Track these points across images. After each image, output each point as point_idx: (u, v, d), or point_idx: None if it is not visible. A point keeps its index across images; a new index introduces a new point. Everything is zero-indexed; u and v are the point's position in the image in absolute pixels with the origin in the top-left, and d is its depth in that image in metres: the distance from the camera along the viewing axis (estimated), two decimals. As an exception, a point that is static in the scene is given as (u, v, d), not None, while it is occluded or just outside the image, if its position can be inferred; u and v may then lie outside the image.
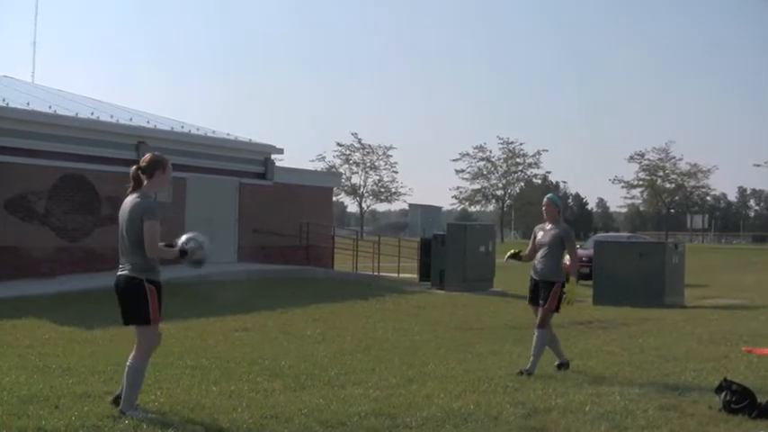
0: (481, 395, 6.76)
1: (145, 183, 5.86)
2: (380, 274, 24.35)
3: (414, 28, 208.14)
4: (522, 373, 7.77)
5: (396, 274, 24.57)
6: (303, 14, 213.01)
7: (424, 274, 21.70)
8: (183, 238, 5.88)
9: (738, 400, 6.17)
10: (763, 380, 7.60)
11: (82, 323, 11.15)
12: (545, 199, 8.38)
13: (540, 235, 8.23)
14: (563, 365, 8.12)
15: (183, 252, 5.75)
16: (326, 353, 9.28)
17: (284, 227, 23.84)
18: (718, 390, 6.39)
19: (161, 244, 5.77)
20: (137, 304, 5.65)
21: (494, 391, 6.96)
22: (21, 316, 11.59)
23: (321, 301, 15.36)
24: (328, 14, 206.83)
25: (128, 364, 5.66)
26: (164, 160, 5.93)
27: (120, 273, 5.75)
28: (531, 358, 7.93)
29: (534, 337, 7.98)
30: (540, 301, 8.02)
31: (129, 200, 5.81)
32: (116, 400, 5.76)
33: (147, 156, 5.94)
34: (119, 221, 5.85)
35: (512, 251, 8.53)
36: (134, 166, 5.91)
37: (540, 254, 8.16)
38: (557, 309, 8.03)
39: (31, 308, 12.60)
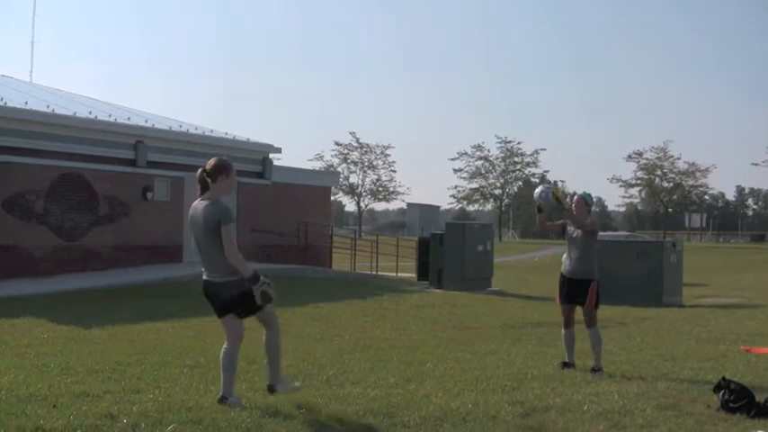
0: (479, 394, 6.76)
1: (210, 187, 5.93)
2: (379, 273, 24.36)
3: (411, 27, 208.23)
4: (594, 370, 7.89)
5: (394, 274, 24.58)
6: (302, 14, 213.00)
7: (423, 273, 21.71)
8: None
9: (737, 398, 6.17)
10: (761, 379, 7.60)
11: (80, 322, 11.14)
12: (575, 197, 8.45)
13: (570, 230, 8.27)
14: (568, 365, 8.13)
15: (257, 277, 5.88)
16: (325, 352, 9.27)
17: (282, 226, 23.84)
18: (717, 389, 6.39)
19: None
20: (245, 301, 5.93)
21: (492, 390, 6.96)
22: (19, 315, 11.59)
23: (319, 300, 15.36)
24: (326, 14, 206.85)
25: (268, 342, 6.17)
26: (228, 165, 5.98)
27: (209, 279, 5.97)
28: (594, 356, 8.06)
29: (590, 337, 8.09)
30: (580, 299, 8.08)
31: (200, 206, 5.91)
32: (270, 388, 6.22)
33: (213, 160, 6.00)
34: (192, 228, 6.00)
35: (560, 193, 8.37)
36: (200, 169, 5.98)
37: (572, 252, 8.20)
38: (597, 305, 8.12)
39: (30, 307, 12.59)
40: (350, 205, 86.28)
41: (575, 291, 8.11)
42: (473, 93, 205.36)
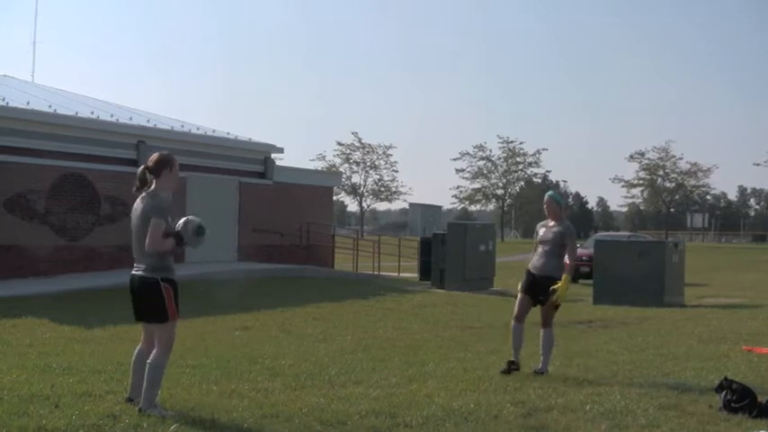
0: (481, 394, 6.76)
1: (153, 183, 5.83)
2: (381, 273, 24.36)
3: (413, 27, 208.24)
4: (536, 372, 7.76)
5: (396, 274, 24.58)
6: (303, 14, 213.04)
7: (425, 273, 21.72)
8: (179, 224, 5.83)
9: (739, 398, 6.16)
10: (763, 379, 7.60)
11: (82, 322, 11.14)
12: (546, 197, 8.26)
13: (542, 232, 8.11)
14: (514, 365, 7.89)
15: (179, 236, 5.71)
16: (327, 352, 9.27)
17: (284, 226, 23.84)
18: (719, 389, 6.38)
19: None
20: (154, 303, 5.68)
21: (494, 390, 6.96)
22: (21, 315, 11.59)
23: (321, 300, 15.36)
24: (328, 14, 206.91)
25: (148, 361, 5.68)
26: (171, 159, 5.87)
27: (134, 272, 5.79)
28: (541, 357, 7.90)
29: (540, 337, 7.94)
30: (541, 298, 7.90)
31: (139, 201, 5.84)
32: (130, 400, 5.81)
33: (155, 155, 5.89)
34: (131, 222, 5.88)
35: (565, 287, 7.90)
36: (141, 166, 5.89)
37: (540, 249, 8.05)
38: (556, 306, 7.96)
39: (31, 307, 12.59)
40: (352, 205, 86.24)
41: (538, 288, 7.91)
42: (475, 93, 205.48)
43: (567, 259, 8.08)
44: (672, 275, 16.82)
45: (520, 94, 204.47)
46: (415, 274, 23.11)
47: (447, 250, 19.80)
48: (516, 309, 8.07)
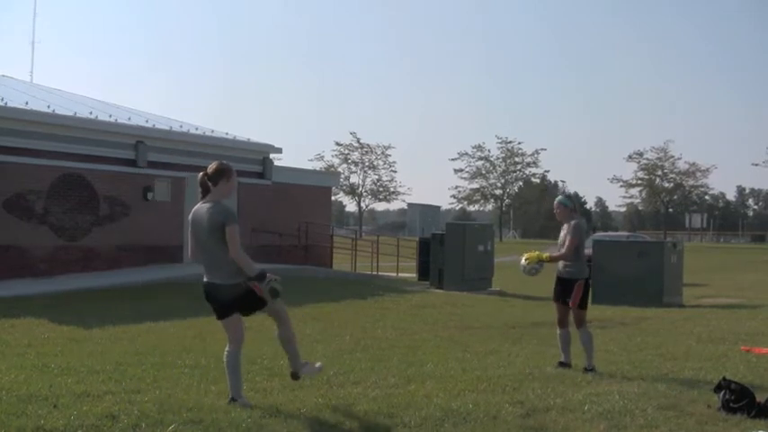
0: (480, 394, 6.76)
1: (212, 190, 6.02)
2: (379, 273, 24.35)
3: (413, 27, 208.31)
4: (586, 370, 7.94)
5: (394, 274, 24.57)
6: (302, 13, 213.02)
7: (423, 273, 21.71)
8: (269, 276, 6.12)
9: (737, 399, 6.17)
10: (761, 379, 7.60)
11: (81, 322, 11.14)
12: (555, 202, 8.50)
13: (561, 236, 8.34)
14: (564, 365, 8.15)
15: (263, 275, 5.93)
16: (325, 352, 9.27)
17: (283, 226, 23.85)
18: (717, 389, 6.39)
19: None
20: (248, 299, 5.99)
21: (492, 390, 6.96)
22: (19, 315, 11.59)
23: (320, 300, 15.35)
24: (327, 13, 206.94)
25: (281, 337, 6.31)
26: (229, 168, 6.12)
27: (209, 281, 6.00)
28: (586, 356, 8.10)
29: (579, 339, 8.14)
30: (567, 299, 8.12)
31: (204, 208, 5.97)
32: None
33: (214, 164, 6.15)
34: (193, 230, 6.03)
35: (536, 255, 8.37)
36: (201, 173, 6.12)
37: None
38: (583, 305, 8.14)
39: (30, 307, 12.59)
40: (350, 205, 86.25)
41: (563, 290, 8.17)
42: (473, 93, 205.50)
43: (560, 250, 8.19)
44: (670, 275, 16.83)
45: (519, 94, 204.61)
46: (414, 275, 23.10)
47: (446, 250, 19.79)
48: (557, 316, 8.39)
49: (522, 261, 8.36)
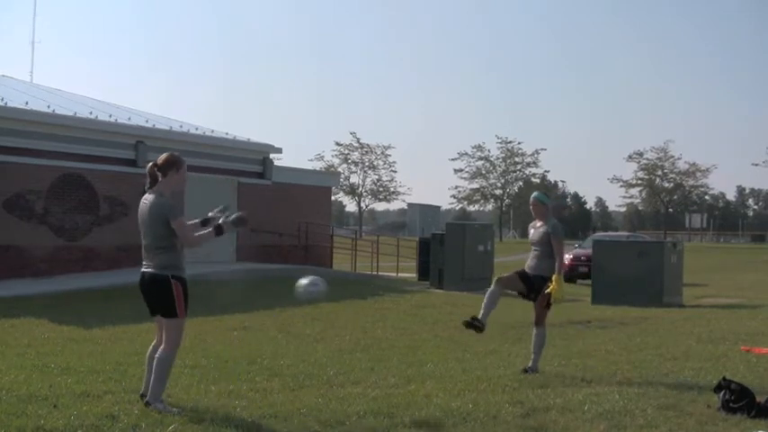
0: (480, 394, 6.76)
1: (160, 180, 5.94)
2: (379, 273, 24.34)
3: (413, 27, 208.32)
4: (526, 371, 7.79)
5: (394, 274, 24.56)
6: (302, 13, 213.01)
7: (423, 273, 21.71)
8: (210, 213, 6.14)
9: (737, 399, 6.17)
10: (761, 379, 7.60)
11: (81, 322, 11.14)
12: (531, 198, 8.23)
13: (531, 233, 8.20)
14: (478, 323, 8.11)
15: (220, 227, 5.88)
16: (325, 352, 9.27)
17: (283, 226, 23.83)
18: (717, 389, 6.39)
19: (195, 221, 6.14)
20: (164, 300, 5.79)
21: (492, 390, 6.96)
22: (19, 315, 11.58)
23: (320, 300, 15.33)
24: (327, 13, 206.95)
25: (156, 356, 5.80)
26: (179, 160, 5.99)
27: (144, 270, 5.92)
28: (533, 356, 7.94)
29: (533, 336, 7.98)
30: (532, 295, 7.99)
31: (148, 199, 5.92)
32: (143, 395, 5.88)
33: (164, 155, 6.02)
34: (139, 219, 5.98)
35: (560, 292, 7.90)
36: (150, 163, 6.01)
37: (532, 252, 8.13)
38: (548, 305, 7.98)
39: (30, 307, 12.59)
40: (350, 205, 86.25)
41: (532, 285, 7.99)
42: (473, 93, 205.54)
43: (534, 249, 8.09)
44: (670, 275, 16.83)
45: (519, 94, 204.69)
46: (414, 275, 23.09)
47: (446, 250, 19.79)
48: (504, 276, 8.20)
49: (552, 301, 7.91)
